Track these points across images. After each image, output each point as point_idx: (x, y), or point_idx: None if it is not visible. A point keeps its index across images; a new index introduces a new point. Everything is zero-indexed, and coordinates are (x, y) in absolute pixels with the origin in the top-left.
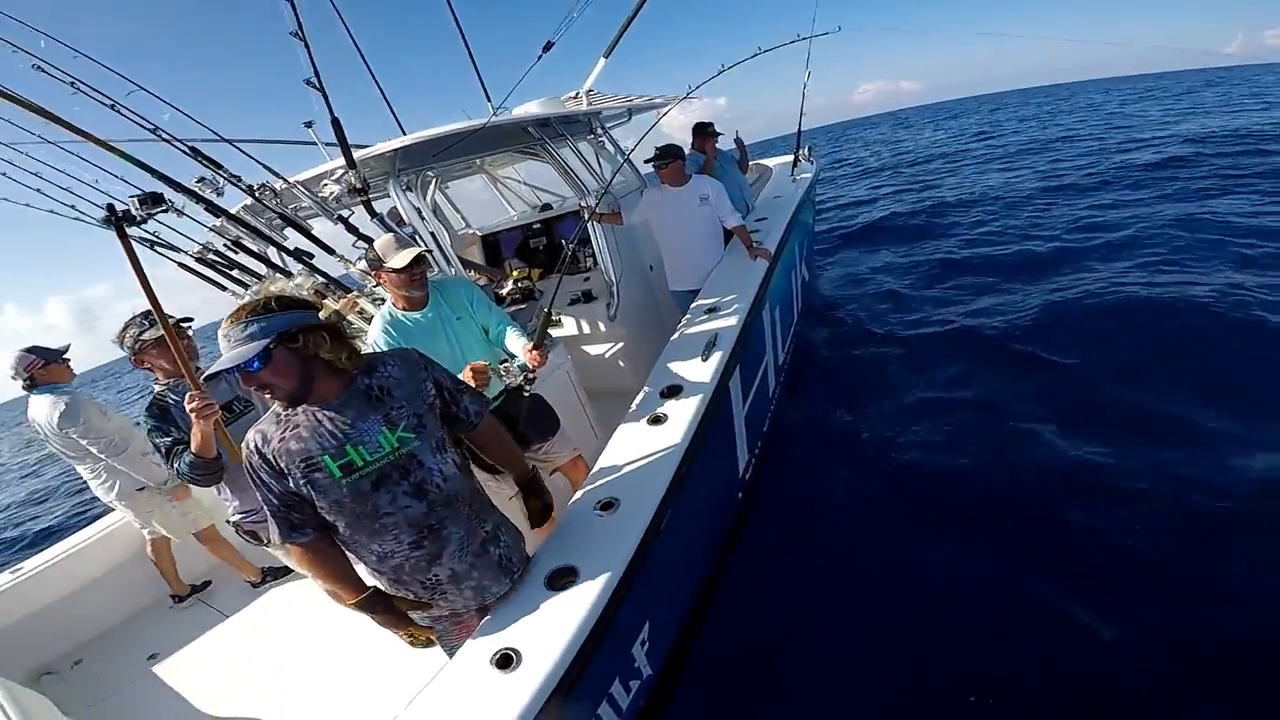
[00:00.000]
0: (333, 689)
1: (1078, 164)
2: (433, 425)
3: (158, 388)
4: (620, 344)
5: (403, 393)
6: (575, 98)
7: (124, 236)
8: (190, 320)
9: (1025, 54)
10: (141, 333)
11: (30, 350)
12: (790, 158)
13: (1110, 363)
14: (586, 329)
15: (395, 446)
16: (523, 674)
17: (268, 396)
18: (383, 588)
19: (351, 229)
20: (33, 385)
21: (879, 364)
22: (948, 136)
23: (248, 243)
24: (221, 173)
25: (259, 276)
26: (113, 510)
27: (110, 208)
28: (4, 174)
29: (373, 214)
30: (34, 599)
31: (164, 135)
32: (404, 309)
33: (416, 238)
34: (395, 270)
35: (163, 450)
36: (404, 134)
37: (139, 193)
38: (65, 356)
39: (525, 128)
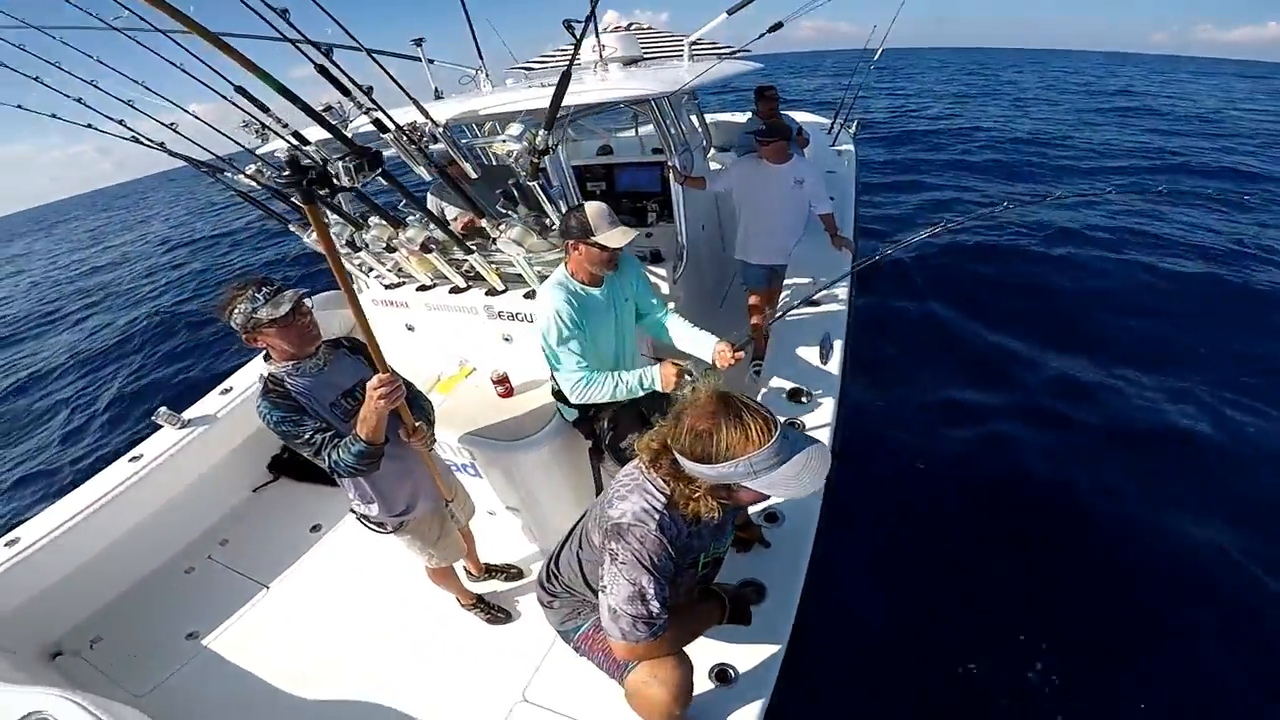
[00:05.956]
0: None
1: None
2: None
3: (273, 369)
4: (674, 307)
5: None
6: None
7: (313, 205)
8: (309, 293)
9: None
10: (255, 309)
11: None
12: (815, 118)
13: None
14: None
15: None
16: (740, 689)
17: None
18: None
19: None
20: None
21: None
22: None
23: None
24: (368, 98)
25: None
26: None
27: (300, 168)
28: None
29: (536, 177)
30: (45, 574)
31: (294, 37)
32: (583, 282)
33: (562, 205)
34: (604, 247)
35: (314, 444)
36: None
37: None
38: None
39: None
